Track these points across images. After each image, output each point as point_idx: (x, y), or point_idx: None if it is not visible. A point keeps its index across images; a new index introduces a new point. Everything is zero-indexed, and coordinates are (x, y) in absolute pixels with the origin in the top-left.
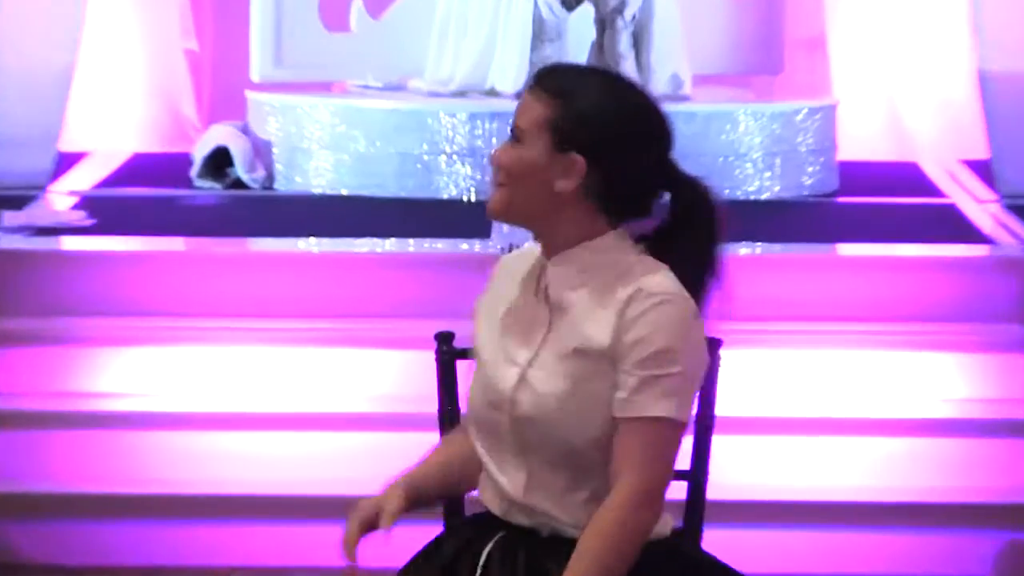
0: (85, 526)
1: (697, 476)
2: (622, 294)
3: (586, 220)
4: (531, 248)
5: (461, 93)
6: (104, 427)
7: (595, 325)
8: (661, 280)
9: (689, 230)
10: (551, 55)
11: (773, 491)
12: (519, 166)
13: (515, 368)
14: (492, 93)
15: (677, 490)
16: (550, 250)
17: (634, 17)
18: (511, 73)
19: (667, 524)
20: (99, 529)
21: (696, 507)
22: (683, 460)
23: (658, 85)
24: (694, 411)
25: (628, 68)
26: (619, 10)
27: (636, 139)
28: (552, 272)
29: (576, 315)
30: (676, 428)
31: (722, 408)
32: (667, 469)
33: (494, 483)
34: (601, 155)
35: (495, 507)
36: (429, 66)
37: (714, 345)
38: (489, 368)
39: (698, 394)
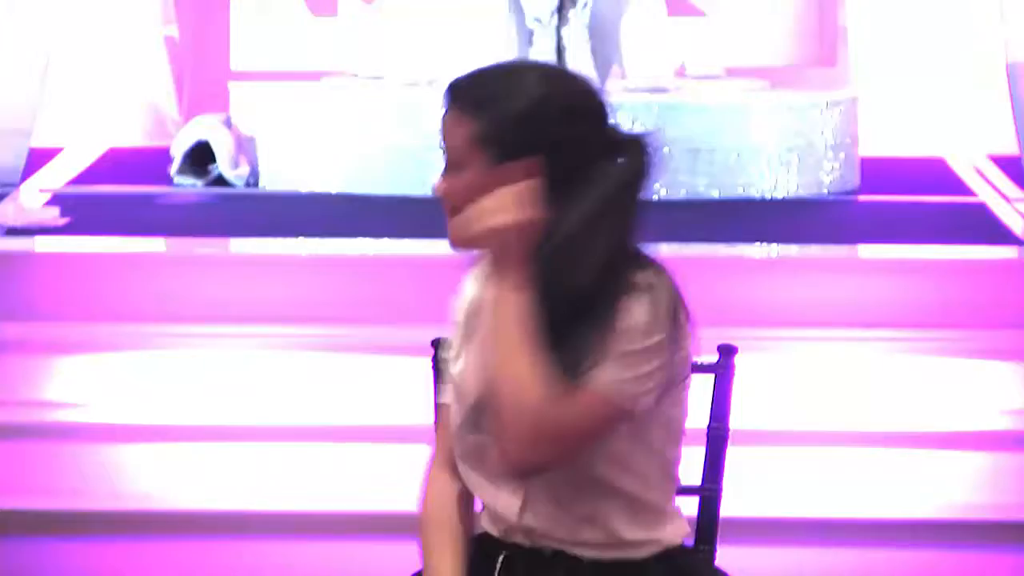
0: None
1: (710, 491)
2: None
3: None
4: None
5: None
6: (76, 439)
7: None
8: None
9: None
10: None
11: (793, 507)
12: (466, 192)
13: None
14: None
15: (688, 505)
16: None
17: (586, 5)
18: None
19: (679, 531)
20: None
21: (709, 523)
22: (694, 475)
23: (636, 78)
24: (701, 421)
25: (578, 58)
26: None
27: (579, 119)
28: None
29: None
30: (615, 410)
31: (736, 420)
32: (583, 434)
33: (490, 508)
34: (550, 147)
35: (495, 530)
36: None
37: (728, 353)
38: (470, 391)
39: (710, 404)
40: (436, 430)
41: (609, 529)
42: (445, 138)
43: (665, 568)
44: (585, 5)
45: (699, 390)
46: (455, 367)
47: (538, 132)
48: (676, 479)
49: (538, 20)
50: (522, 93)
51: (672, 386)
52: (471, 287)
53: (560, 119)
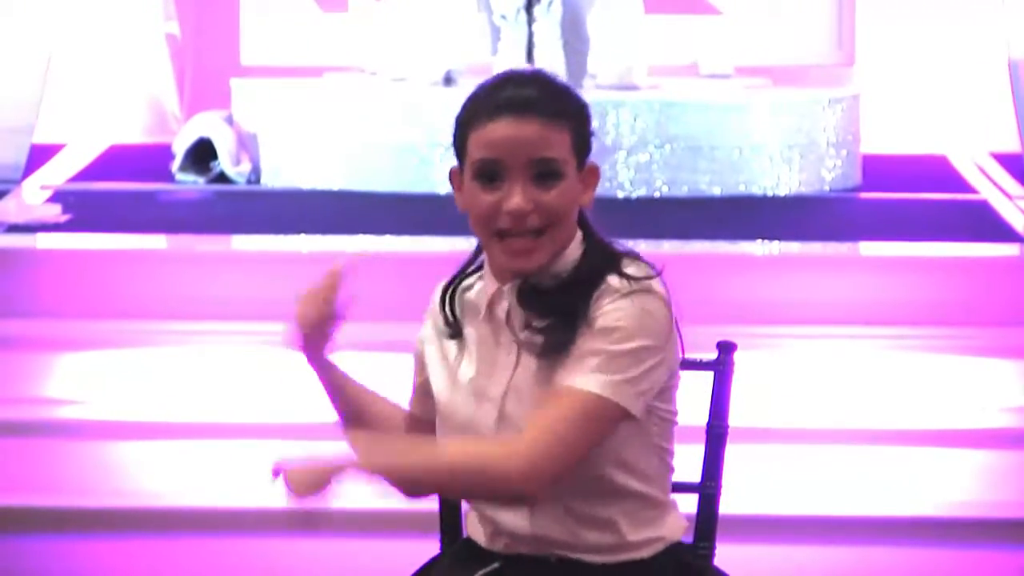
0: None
1: (708, 489)
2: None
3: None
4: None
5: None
6: (77, 436)
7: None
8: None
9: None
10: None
11: (790, 505)
12: (567, 205)
13: (489, 404)
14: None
15: (687, 503)
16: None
17: (552, 3)
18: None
19: (679, 525)
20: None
21: (708, 522)
22: (693, 472)
23: (605, 75)
24: (701, 418)
25: (547, 55)
26: None
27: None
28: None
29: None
30: (602, 407)
31: (737, 418)
32: (568, 448)
33: (491, 521)
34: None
35: (487, 539)
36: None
37: (727, 350)
38: (459, 410)
39: (709, 401)
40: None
41: (616, 530)
42: (533, 150)
43: (670, 564)
44: (550, 3)
45: (698, 387)
46: (434, 381)
47: (590, 135)
48: (672, 469)
49: (504, 17)
50: (580, 101)
51: (666, 387)
52: (441, 316)
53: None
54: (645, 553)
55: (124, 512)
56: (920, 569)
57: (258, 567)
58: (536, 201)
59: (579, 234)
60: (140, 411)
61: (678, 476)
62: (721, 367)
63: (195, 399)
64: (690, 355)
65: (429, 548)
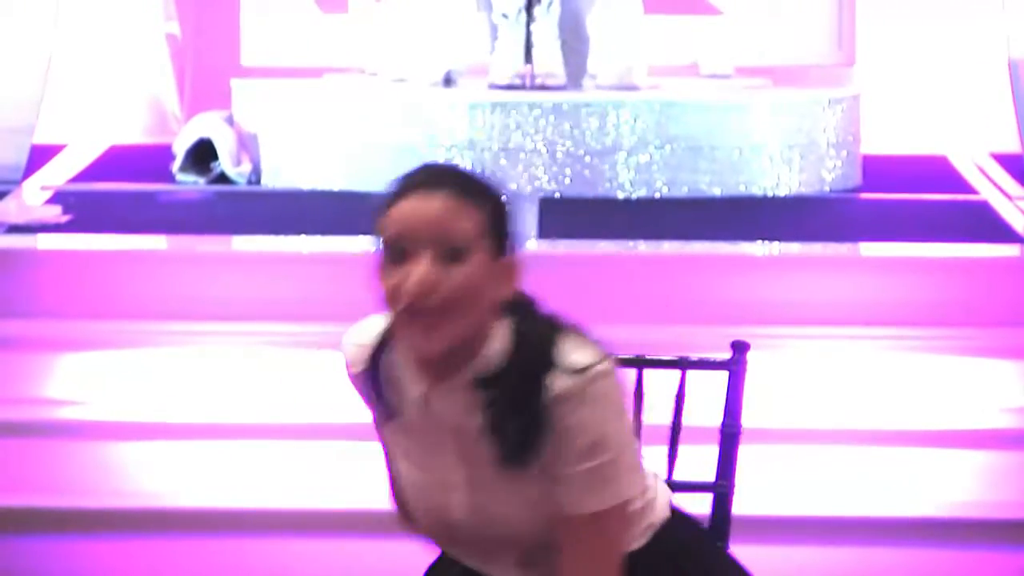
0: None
1: (722, 488)
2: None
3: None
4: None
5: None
6: (78, 437)
7: None
8: (579, 352)
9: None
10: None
11: (792, 505)
12: (472, 289)
13: (457, 493)
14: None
15: (700, 503)
16: (442, 371)
17: (552, 3)
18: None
19: (664, 502)
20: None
21: (722, 521)
22: (707, 471)
23: (604, 76)
24: (715, 418)
25: (545, 55)
26: None
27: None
28: (449, 399)
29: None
30: (624, 506)
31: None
32: (615, 553)
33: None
34: (512, 247)
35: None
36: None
37: (741, 349)
38: (429, 496)
39: (723, 401)
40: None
41: None
42: (439, 229)
43: (663, 547)
44: (551, 3)
45: (712, 387)
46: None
47: (512, 228)
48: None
49: (504, 16)
50: (497, 193)
51: None
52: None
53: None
54: (637, 545)
55: (124, 512)
56: (919, 569)
57: (258, 567)
58: (438, 280)
59: (507, 327)
60: (140, 411)
61: (690, 475)
62: (735, 367)
63: (195, 399)
64: (703, 355)
65: (429, 548)
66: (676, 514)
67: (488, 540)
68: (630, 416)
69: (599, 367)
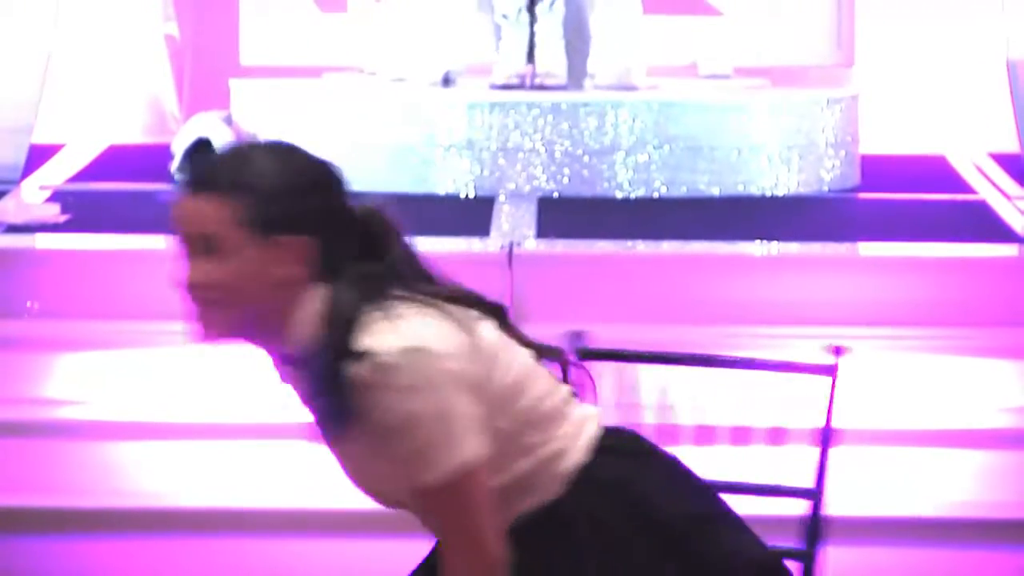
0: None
1: (815, 495)
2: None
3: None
4: None
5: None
6: (77, 436)
7: None
8: (375, 337)
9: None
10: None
11: (792, 505)
12: (232, 279)
13: (343, 462)
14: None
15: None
16: (268, 351)
17: (553, 3)
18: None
19: (582, 447)
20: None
21: (815, 525)
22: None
23: (603, 76)
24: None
25: (548, 55)
26: None
27: (321, 191)
28: (291, 376)
29: None
30: (459, 478)
31: (734, 417)
32: (480, 527)
33: None
34: (306, 223)
35: None
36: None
37: (840, 354)
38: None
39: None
40: None
41: None
42: (190, 225)
43: (583, 491)
44: (552, 3)
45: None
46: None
47: (294, 206)
48: (551, 412)
49: (505, 16)
50: (266, 169)
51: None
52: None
53: (306, 192)
54: (551, 497)
55: (124, 512)
56: (918, 569)
57: (258, 567)
58: (198, 274)
59: (322, 301)
60: (139, 411)
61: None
62: (834, 372)
63: (194, 399)
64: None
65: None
66: (600, 455)
67: (399, 508)
68: (465, 379)
69: (386, 356)
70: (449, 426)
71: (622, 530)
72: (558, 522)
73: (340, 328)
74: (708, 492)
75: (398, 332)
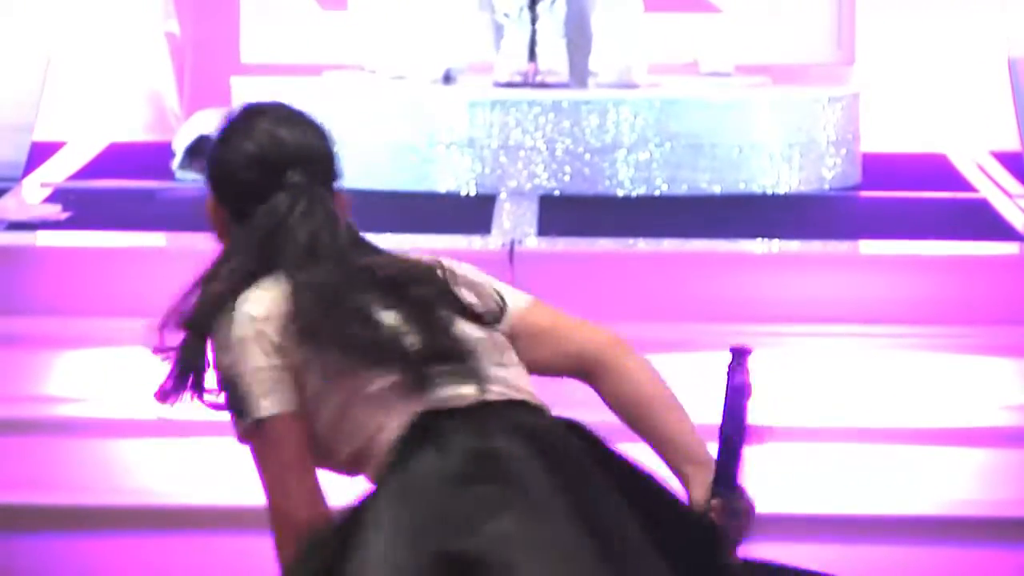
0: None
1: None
2: None
3: None
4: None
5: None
6: (77, 434)
7: None
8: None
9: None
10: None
11: (789, 503)
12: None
13: None
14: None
15: None
16: None
17: (554, 1)
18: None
19: (392, 435)
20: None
21: None
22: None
23: (605, 74)
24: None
25: (550, 54)
26: None
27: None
28: None
29: None
30: (252, 435)
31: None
32: (277, 481)
33: None
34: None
35: None
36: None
37: (741, 356)
38: None
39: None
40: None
41: None
42: None
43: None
44: (554, 2)
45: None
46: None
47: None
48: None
49: (507, 15)
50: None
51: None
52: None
53: (214, 160)
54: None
55: (125, 509)
56: (918, 567)
57: (259, 565)
58: None
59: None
60: (140, 408)
61: None
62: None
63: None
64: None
65: None
66: (404, 442)
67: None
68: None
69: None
70: (247, 383)
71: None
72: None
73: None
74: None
75: (241, 301)
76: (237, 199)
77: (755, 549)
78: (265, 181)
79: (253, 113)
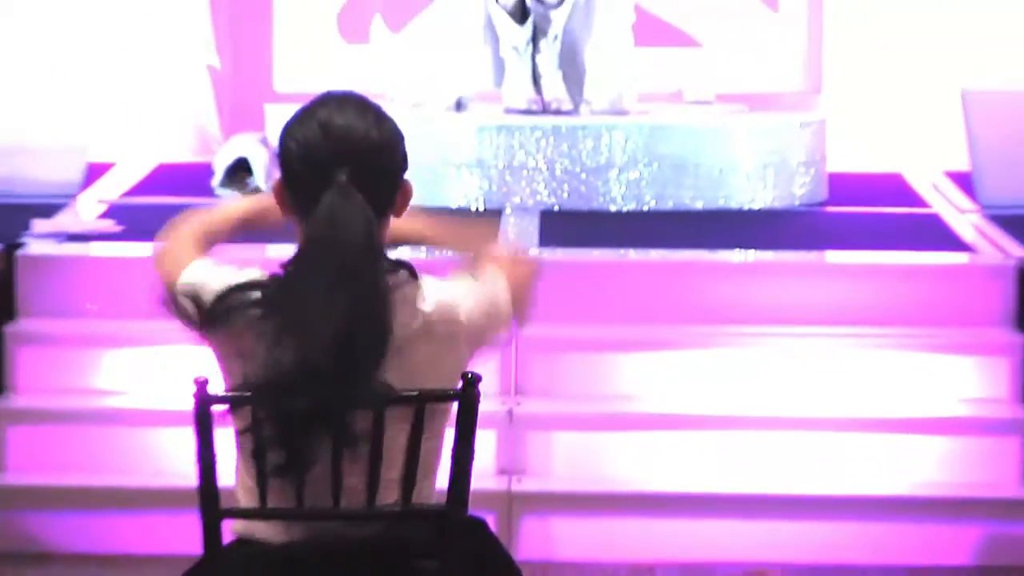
0: (110, 517)
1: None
2: None
3: None
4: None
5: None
6: (135, 424)
7: None
8: None
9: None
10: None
11: (771, 485)
12: None
13: None
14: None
15: None
16: None
17: (556, 37)
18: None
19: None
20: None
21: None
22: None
23: (598, 102)
24: None
25: (551, 84)
26: (544, 29)
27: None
28: None
29: None
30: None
31: (718, 407)
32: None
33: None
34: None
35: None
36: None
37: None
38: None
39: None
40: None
41: None
42: None
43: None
44: (556, 37)
45: None
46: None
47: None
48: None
49: (515, 48)
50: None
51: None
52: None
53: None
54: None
55: (165, 491)
56: (886, 541)
57: None
58: None
59: None
60: (178, 400)
61: None
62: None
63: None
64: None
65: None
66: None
67: None
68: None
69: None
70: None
71: None
72: None
73: None
74: None
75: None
76: (294, 189)
77: (741, 527)
78: (315, 177)
79: (319, 103)
